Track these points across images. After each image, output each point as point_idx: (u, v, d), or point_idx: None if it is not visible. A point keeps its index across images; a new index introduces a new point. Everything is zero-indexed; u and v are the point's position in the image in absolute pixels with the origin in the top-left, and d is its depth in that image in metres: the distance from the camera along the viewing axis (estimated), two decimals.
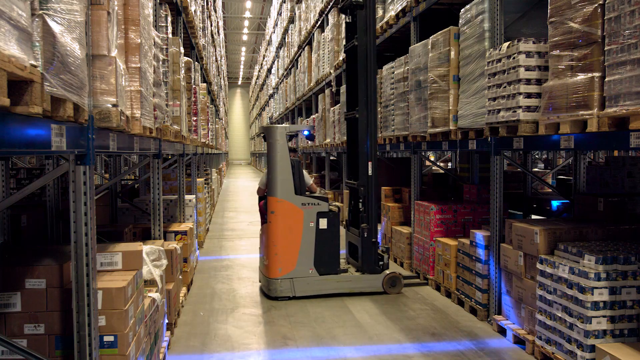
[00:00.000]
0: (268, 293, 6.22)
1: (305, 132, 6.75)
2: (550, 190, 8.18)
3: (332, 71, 12.71)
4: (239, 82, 62.88)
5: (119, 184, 7.37)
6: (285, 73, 22.81)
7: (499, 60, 4.68)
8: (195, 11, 8.90)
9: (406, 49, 7.14)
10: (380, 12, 8.50)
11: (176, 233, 6.06)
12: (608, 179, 6.14)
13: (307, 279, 6.17)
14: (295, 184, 6.21)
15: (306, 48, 16.93)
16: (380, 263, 6.45)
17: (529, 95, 4.39)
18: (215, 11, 18.64)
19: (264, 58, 35.70)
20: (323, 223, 6.24)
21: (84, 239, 2.67)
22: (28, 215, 4.53)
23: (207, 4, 13.46)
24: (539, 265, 4.30)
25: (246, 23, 40.80)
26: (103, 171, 12.13)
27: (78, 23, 2.39)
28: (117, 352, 3.02)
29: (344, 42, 11.09)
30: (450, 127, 5.79)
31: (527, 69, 4.39)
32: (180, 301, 5.67)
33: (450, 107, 5.78)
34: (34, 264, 2.96)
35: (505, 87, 4.59)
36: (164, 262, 4.29)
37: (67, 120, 2.32)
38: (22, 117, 1.94)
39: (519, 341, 4.71)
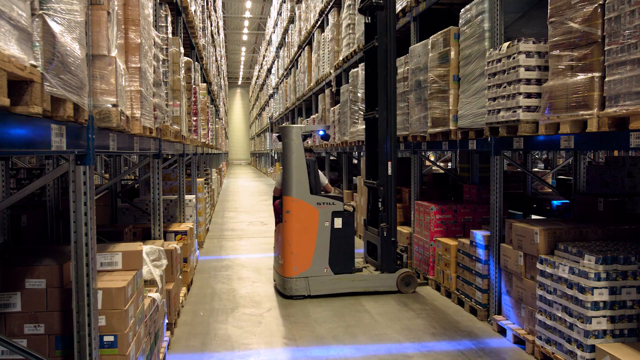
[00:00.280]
0: (283, 292, 6.25)
1: (321, 132, 6.79)
2: (550, 190, 8.17)
3: (332, 71, 12.71)
4: (239, 82, 62.88)
5: (119, 184, 7.37)
6: (285, 73, 22.82)
7: (499, 60, 4.68)
8: (195, 11, 8.90)
9: (406, 49, 7.14)
10: None
11: (176, 233, 6.06)
12: (608, 179, 6.14)
13: (322, 277, 6.19)
14: (310, 183, 6.23)
15: (306, 48, 16.93)
16: (399, 262, 6.50)
17: (529, 95, 4.39)
18: (215, 11, 18.64)
19: (264, 58, 35.71)
20: (338, 222, 6.28)
21: (84, 239, 2.67)
22: (28, 215, 4.53)
23: (207, 4, 13.46)
24: (539, 265, 4.30)
25: (246, 23, 40.81)
26: (103, 171, 12.13)
27: (78, 23, 2.39)
28: (117, 352, 3.02)
29: (344, 42, 11.13)
30: (450, 127, 5.80)
31: (527, 69, 4.39)
32: (180, 301, 5.67)
33: (450, 107, 5.78)
34: (34, 264, 2.96)
35: (505, 87, 4.59)
36: (164, 262, 4.29)
37: (67, 120, 2.32)
38: (22, 117, 1.94)
39: (519, 341, 4.71)
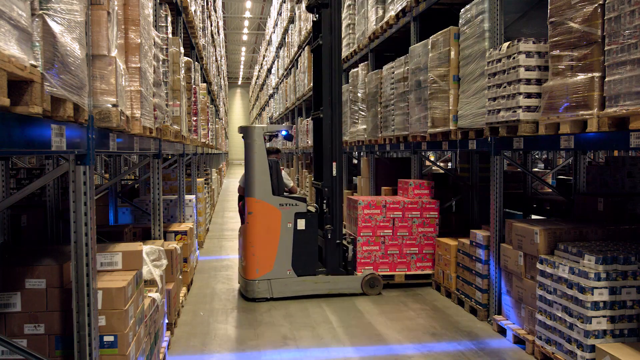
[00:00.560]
0: (245, 294, 6.19)
1: (283, 133, 6.65)
2: (550, 190, 8.18)
3: None
4: (239, 82, 62.86)
5: (119, 184, 7.37)
6: (285, 73, 22.82)
7: (499, 60, 4.68)
8: (195, 11, 8.90)
9: (406, 49, 7.14)
10: (380, 12, 8.50)
11: (176, 233, 6.06)
12: (608, 179, 6.14)
13: (284, 280, 6.12)
14: (272, 184, 6.17)
15: (306, 48, 16.93)
16: (346, 266, 6.40)
17: (529, 95, 4.39)
18: (215, 11, 18.64)
19: (264, 58, 35.71)
20: (301, 224, 6.19)
21: (84, 239, 2.67)
22: (28, 215, 4.53)
23: (207, 4, 13.46)
24: (539, 265, 4.30)
25: (246, 23, 40.80)
26: (103, 171, 12.13)
27: (78, 23, 2.39)
28: (117, 352, 3.02)
29: (344, 42, 11.11)
30: (450, 127, 5.79)
31: (527, 69, 4.39)
32: (180, 301, 5.67)
33: (450, 107, 5.78)
34: (34, 264, 2.96)
35: (505, 87, 4.59)
36: (164, 262, 4.29)
37: (67, 120, 2.32)
38: (22, 117, 1.94)
39: (519, 341, 4.71)
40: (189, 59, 7.41)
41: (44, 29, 2.04)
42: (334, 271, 6.30)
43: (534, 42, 4.40)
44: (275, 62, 27.27)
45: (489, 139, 5.10)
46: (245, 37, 44.72)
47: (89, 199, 2.68)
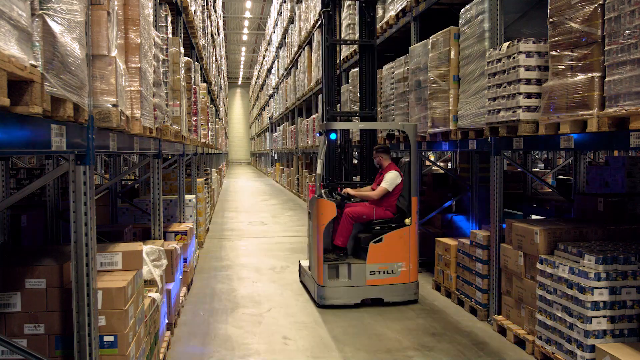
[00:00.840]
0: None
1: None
2: (550, 190, 8.18)
3: None
4: (239, 82, 62.88)
5: (119, 184, 7.37)
6: (285, 73, 22.82)
7: (499, 60, 4.68)
8: (195, 11, 8.90)
9: (406, 49, 7.14)
10: (380, 12, 8.50)
11: (176, 233, 6.05)
12: (608, 179, 6.14)
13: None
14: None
15: (306, 48, 16.94)
16: None
17: (529, 95, 4.39)
18: (215, 11, 18.64)
19: (264, 58, 35.71)
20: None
21: (84, 239, 2.67)
22: (28, 215, 4.53)
23: (207, 4, 13.46)
24: (539, 265, 4.30)
25: (246, 23, 40.80)
26: (103, 171, 12.14)
27: (78, 23, 2.39)
28: (117, 352, 3.03)
29: None
30: (450, 127, 5.79)
31: (527, 69, 4.39)
32: (180, 301, 5.67)
33: (450, 107, 5.78)
34: (34, 264, 2.97)
35: (505, 87, 4.59)
36: (164, 262, 4.29)
37: (67, 120, 2.32)
38: (22, 117, 1.94)
39: (519, 341, 4.71)
40: (189, 59, 7.41)
41: (44, 29, 2.04)
42: None
43: (534, 42, 4.40)
44: (275, 62, 27.27)
45: (489, 139, 5.10)
46: (245, 37, 44.73)
47: (89, 199, 2.68)
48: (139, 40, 3.59)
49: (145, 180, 7.52)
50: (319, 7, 13.95)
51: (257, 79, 42.41)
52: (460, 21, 5.66)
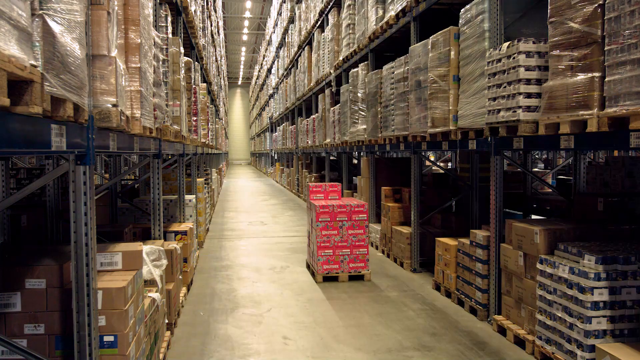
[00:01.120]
0: None
1: None
2: (550, 190, 8.18)
3: (332, 71, 12.71)
4: (239, 82, 62.89)
5: (119, 184, 7.37)
6: (285, 73, 22.82)
7: (499, 60, 4.68)
8: (195, 11, 8.90)
9: (406, 49, 7.14)
10: (380, 12, 8.51)
11: (176, 233, 6.06)
12: (608, 179, 6.14)
13: None
14: None
15: (306, 48, 16.94)
16: None
17: (529, 95, 4.39)
18: (215, 11, 18.64)
19: (264, 58, 35.71)
20: None
21: (84, 239, 2.67)
22: (28, 215, 4.53)
23: (207, 4, 13.46)
24: (539, 265, 4.30)
25: (246, 23, 40.81)
26: (103, 171, 12.14)
27: (78, 23, 2.39)
28: (117, 352, 3.02)
29: (344, 42, 11.13)
30: (450, 127, 5.79)
31: (527, 69, 4.39)
32: (180, 301, 5.67)
33: (450, 107, 5.78)
34: (34, 264, 2.97)
35: (505, 87, 4.59)
36: (164, 262, 4.29)
37: (67, 120, 2.32)
38: (22, 117, 1.94)
39: (518, 341, 4.71)
40: (189, 59, 7.41)
41: (44, 29, 2.04)
42: None
43: (534, 42, 4.40)
44: (275, 62, 27.28)
45: (489, 139, 5.10)
46: (245, 37, 44.73)
47: (89, 199, 2.68)
48: (139, 40, 3.59)
49: (145, 180, 7.52)
50: (319, 7, 13.97)
51: (257, 79, 42.41)
52: (460, 21, 5.66)
